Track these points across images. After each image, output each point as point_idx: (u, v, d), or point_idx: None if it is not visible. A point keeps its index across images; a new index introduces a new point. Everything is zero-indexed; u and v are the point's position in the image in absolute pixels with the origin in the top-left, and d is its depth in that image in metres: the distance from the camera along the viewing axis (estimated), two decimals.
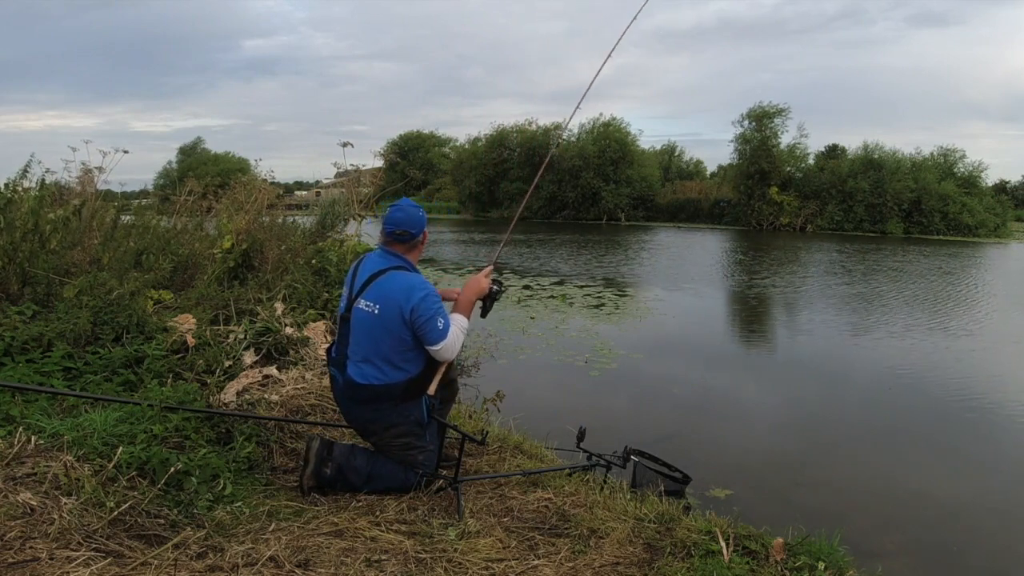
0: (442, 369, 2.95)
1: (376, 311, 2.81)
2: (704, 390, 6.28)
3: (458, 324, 2.92)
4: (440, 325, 2.81)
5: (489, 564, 2.39)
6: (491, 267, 3.25)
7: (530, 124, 45.60)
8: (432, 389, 2.91)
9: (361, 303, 2.86)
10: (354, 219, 7.74)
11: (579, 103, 4.06)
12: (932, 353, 7.81)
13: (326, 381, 4.14)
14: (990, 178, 38.88)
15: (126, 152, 6.99)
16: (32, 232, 4.82)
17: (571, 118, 4.35)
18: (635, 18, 4.35)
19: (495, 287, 3.17)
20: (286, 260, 6.15)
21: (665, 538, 2.63)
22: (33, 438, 2.63)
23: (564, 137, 41.04)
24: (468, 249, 20.73)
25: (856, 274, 15.72)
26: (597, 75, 4.16)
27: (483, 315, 3.26)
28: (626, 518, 2.79)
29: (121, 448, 2.58)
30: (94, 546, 2.13)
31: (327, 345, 4.70)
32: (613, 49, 4.26)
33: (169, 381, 3.72)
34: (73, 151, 6.98)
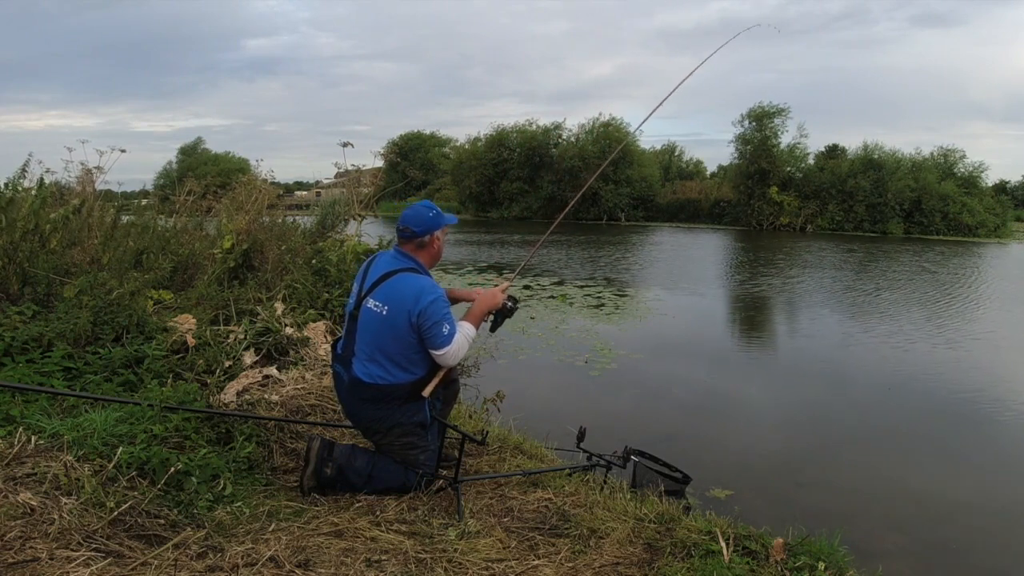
0: (443, 372, 2.95)
1: (384, 312, 2.83)
2: (705, 390, 6.28)
3: (464, 332, 2.93)
4: (445, 331, 2.82)
5: (489, 564, 2.39)
6: (509, 283, 3.26)
7: (530, 124, 45.59)
8: (428, 391, 2.91)
9: (370, 302, 2.88)
10: (354, 219, 7.74)
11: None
12: (933, 353, 7.82)
13: (326, 381, 4.14)
14: (990, 178, 38.83)
15: (123, 151, 7.00)
16: (32, 232, 4.83)
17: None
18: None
19: (509, 303, 3.17)
20: (286, 260, 6.14)
21: (665, 538, 2.63)
22: (33, 438, 2.63)
23: (564, 137, 40.78)
24: (470, 250, 20.71)
25: (876, 276, 15.72)
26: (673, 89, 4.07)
27: (492, 330, 3.26)
28: (626, 518, 2.79)
29: (121, 448, 2.58)
30: (94, 546, 2.13)
31: (328, 344, 4.71)
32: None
33: (169, 381, 3.73)
34: (69, 151, 6.97)
